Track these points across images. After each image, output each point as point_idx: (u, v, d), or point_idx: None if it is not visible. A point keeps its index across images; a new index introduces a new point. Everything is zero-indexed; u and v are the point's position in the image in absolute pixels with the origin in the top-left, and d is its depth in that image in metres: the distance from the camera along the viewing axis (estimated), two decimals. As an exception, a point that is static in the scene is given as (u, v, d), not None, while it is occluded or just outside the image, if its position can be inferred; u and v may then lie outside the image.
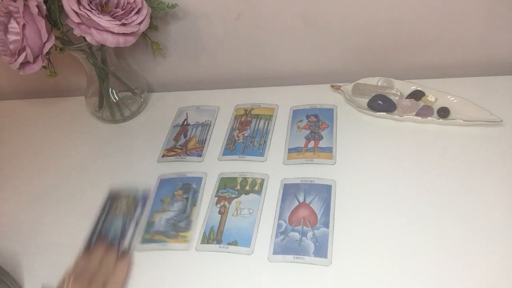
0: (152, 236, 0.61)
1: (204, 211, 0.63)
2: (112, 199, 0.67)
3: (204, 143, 0.74)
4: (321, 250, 0.55)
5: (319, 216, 0.58)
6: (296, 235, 0.57)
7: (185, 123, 0.78)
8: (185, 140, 0.75)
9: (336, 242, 0.55)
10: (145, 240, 0.61)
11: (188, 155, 0.72)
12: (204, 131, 0.76)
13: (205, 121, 0.78)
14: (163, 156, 0.73)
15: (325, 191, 0.61)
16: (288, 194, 0.62)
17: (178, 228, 0.61)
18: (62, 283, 0.55)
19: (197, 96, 0.83)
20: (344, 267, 0.53)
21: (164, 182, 0.68)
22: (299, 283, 0.53)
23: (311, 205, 0.60)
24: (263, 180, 0.65)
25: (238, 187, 0.65)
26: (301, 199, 0.61)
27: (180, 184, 0.68)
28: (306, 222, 0.58)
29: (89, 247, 0.61)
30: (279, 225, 0.59)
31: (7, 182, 0.75)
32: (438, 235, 0.54)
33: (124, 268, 0.57)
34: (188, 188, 0.66)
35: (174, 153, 0.73)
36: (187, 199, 0.65)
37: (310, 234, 0.57)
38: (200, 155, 0.72)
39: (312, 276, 0.53)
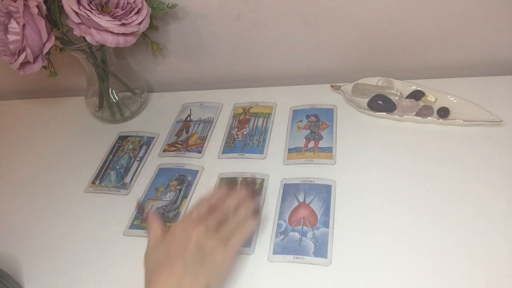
0: (140, 223, 0.62)
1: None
2: (121, 141, 0.76)
3: (205, 139, 0.74)
4: (321, 250, 0.55)
5: (319, 216, 0.58)
6: (296, 235, 0.57)
7: (188, 119, 0.79)
8: (186, 136, 0.75)
9: (336, 242, 0.55)
10: (133, 226, 0.62)
11: (188, 151, 0.72)
12: (206, 128, 0.76)
13: (208, 117, 0.78)
14: (163, 151, 0.73)
15: (325, 191, 0.61)
16: (288, 194, 0.62)
17: (165, 218, 0.62)
18: (196, 207, 0.53)
19: (197, 96, 0.83)
20: (344, 267, 0.53)
21: (162, 171, 0.70)
22: (299, 283, 0.53)
23: (311, 205, 0.60)
24: (263, 180, 0.65)
25: (238, 187, 0.65)
26: (301, 199, 0.61)
27: (176, 174, 0.68)
28: (306, 222, 0.58)
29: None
30: (279, 225, 0.59)
31: (7, 182, 0.74)
32: (437, 235, 0.54)
33: (252, 227, 0.53)
34: (182, 180, 0.67)
35: (175, 148, 0.73)
36: (180, 190, 0.66)
37: (310, 234, 0.57)
38: (200, 151, 0.72)
39: (312, 276, 0.53)
